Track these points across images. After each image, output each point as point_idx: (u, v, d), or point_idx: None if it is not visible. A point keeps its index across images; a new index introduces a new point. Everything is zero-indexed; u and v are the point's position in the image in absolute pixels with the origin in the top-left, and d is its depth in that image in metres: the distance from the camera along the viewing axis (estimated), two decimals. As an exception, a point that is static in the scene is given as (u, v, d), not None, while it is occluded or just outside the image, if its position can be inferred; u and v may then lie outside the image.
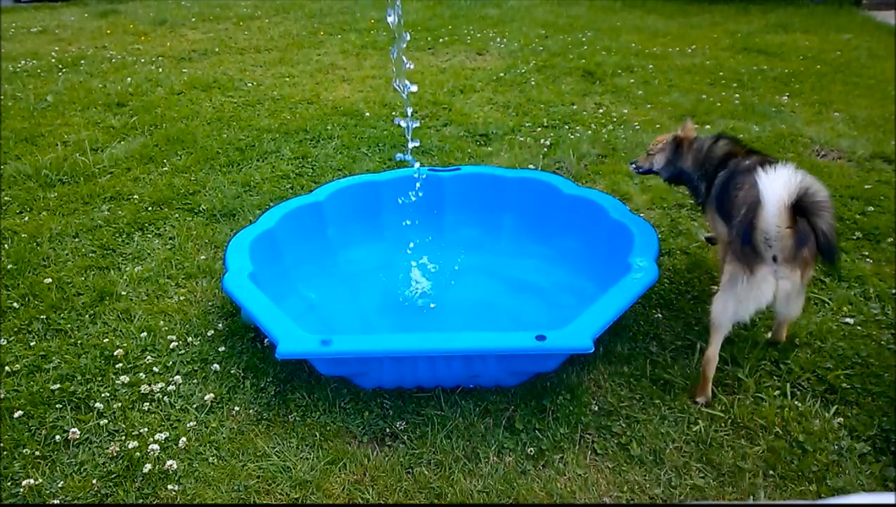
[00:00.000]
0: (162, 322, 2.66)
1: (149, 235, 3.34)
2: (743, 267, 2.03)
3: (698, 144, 2.67)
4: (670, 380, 2.30)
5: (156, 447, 2.05)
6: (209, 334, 2.58)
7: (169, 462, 2.00)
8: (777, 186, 1.92)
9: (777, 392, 2.25)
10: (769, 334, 2.47)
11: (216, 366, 2.41)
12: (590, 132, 4.56)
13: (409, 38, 2.35)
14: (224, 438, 2.12)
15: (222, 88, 5.75)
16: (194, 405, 2.24)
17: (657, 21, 8.30)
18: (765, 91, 5.41)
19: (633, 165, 2.93)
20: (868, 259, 3.00)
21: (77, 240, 3.29)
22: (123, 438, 2.11)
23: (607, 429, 2.13)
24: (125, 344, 2.52)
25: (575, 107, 5.11)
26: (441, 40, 7.40)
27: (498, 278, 2.99)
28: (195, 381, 2.35)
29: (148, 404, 2.25)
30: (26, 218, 3.49)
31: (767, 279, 2.02)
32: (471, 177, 3.36)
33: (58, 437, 2.11)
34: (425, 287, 2.93)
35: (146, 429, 2.14)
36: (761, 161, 2.24)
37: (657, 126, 4.63)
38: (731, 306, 2.09)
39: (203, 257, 3.13)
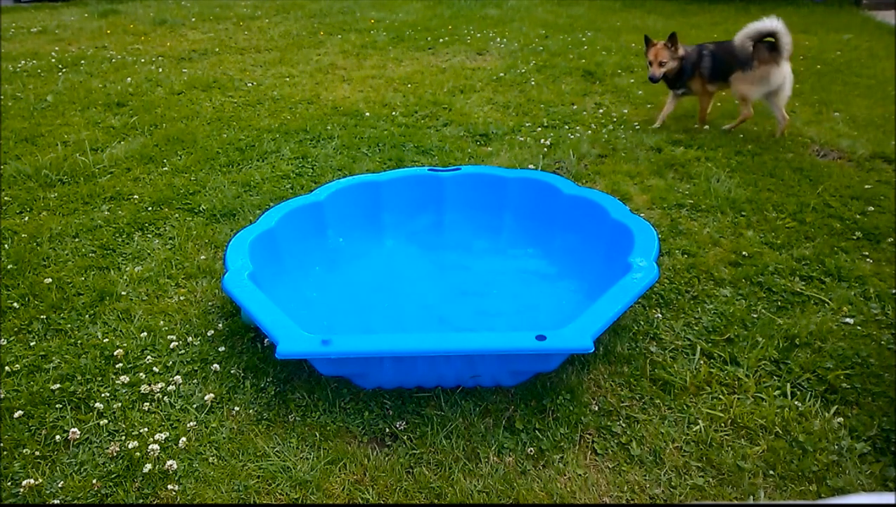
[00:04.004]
0: (162, 322, 2.66)
1: (149, 235, 3.34)
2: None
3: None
4: (670, 380, 2.31)
5: (156, 447, 2.05)
6: (209, 334, 2.58)
7: (169, 462, 2.00)
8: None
9: (777, 392, 2.26)
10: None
11: (216, 366, 2.41)
12: (590, 132, 4.56)
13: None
14: (224, 438, 2.12)
15: (222, 88, 5.75)
16: (194, 405, 2.24)
17: (657, 21, 8.30)
18: (765, 91, 5.40)
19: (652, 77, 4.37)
20: (868, 259, 3.00)
21: (77, 240, 3.29)
22: (123, 438, 2.11)
23: (607, 429, 2.13)
24: (125, 344, 2.52)
25: (575, 107, 5.11)
26: (441, 40, 7.40)
27: (497, 278, 2.99)
28: (195, 381, 2.35)
29: (148, 404, 2.25)
30: (26, 218, 3.50)
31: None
32: (471, 177, 3.37)
33: (58, 437, 2.11)
34: (425, 287, 2.94)
35: (146, 429, 2.14)
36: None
37: (657, 126, 4.64)
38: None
39: (203, 256, 3.13)
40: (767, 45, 4.15)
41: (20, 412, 2.20)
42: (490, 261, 3.12)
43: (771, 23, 4.11)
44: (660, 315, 2.65)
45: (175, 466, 1.99)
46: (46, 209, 3.59)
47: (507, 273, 3.02)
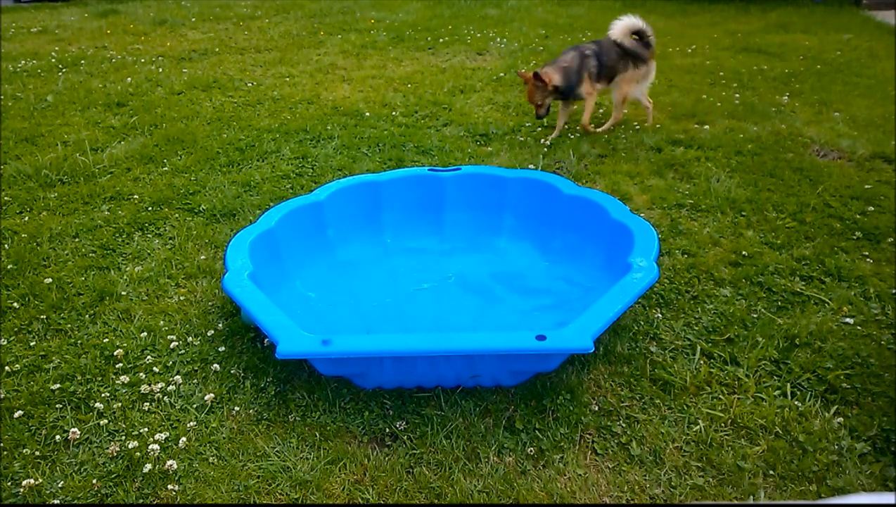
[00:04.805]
0: (162, 322, 2.66)
1: (149, 235, 3.34)
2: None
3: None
4: (670, 380, 2.31)
5: (156, 447, 2.05)
6: (209, 334, 2.58)
7: (169, 462, 2.00)
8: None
9: (777, 392, 2.26)
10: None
11: (216, 366, 2.41)
12: (590, 132, 4.56)
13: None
14: (224, 438, 2.12)
15: (222, 88, 5.75)
16: (194, 405, 2.24)
17: (657, 21, 8.29)
18: (765, 91, 5.41)
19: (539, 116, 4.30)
20: (868, 259, 3.00)
21: (77, 240, 3.29)
22: (123, 438, 2.11)
23: (607, 429, 2.13)
24: (125, 344, 2.52)
25: (575, 107, 5.11)
26: (441, 40, 7.40)
27: (498, 278, 2.99)
28: (195, 381, 2.35)
29: (148, 404, 2.25)
30: (26, 218, 3.50)
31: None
32: (471, 177, 3.37)
33: (58, 437, 2.11)
34: (425, 287, 2.94)
35: (146, 429, 2.14)
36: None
37: (658, 126, 4.64)
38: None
39: (203, 256, 3.13)
40: (642, 43, 4.37)
41: (20, 412, 2.20)
42: (490, 261, 3.12)
43: (635, 20, 4.35)
44: (660, 315, 2.65)
45: (175, 466, 1.99)
46: (46, 209, 3.59)
47: (507, 273, 3.02)
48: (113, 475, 1.98)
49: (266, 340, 2.48)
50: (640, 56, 4.36)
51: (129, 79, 5.97)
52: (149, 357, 2.46)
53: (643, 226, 2.74)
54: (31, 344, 2.55)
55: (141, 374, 2.37)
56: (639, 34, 4.34)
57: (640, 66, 4.38)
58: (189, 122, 4.89)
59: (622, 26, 4.32)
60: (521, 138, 4.47)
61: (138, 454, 2.04)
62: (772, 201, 3.52)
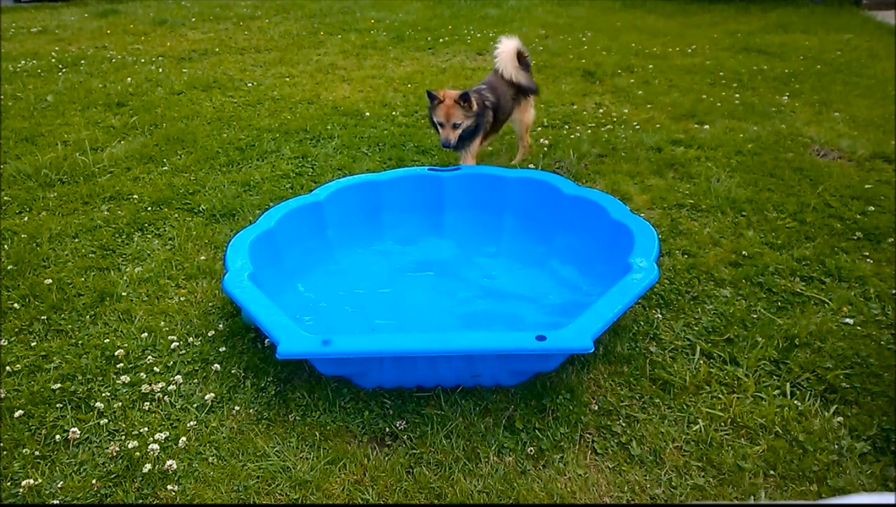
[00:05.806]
0: (162, 323, 2.66)
1: (149, 236, 3.34)
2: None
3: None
4: (670, 380, 2.31)
5: (156, 446, 2.05)
6: (210, 334, 2.58)
7: (169, 462, 2.00)
8: None
9: (777, 392, 2.26)
10: None
11: (217, 366, 2.41)
12: (590, 132, 4.56)
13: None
14: (224, 438, 2.12)
15: (222, 88, 5.75)
16: (194, 405, 2.24)
17: (657, 21, 8.30)
18: (765, 91, 5.41)
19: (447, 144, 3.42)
20: (868, 259, 3.00)
21: (77, 240, 3.29)
22: (123, 438, 2.11)
23: (607, 429, 2.13)
24: (126, 344, 2.52)
25: (575, 107, 5.11)
26: (441, 40, 7.40)
27: (498, 278, 2.99)
28: (195, 381, 2.35)
29: (148, 403, 2.25)
30: (26, 218, 3.50)
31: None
32: (471, 177, 3.37)
33: (58, 437, 2.11)
34: (425, 287, 2.94)
35: (146, 429, 2.14)
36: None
37: (657, 126, 4.64)
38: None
39: (203, 257, 3.13)
40: (524, 64, 3.85)
41: (20, 412, 2.21)
42: (490, 261, 3.12)
43: (514, 42, 3.79)
44: (660, 315, 2.65)
45: (175, 466, 1.99)
46: (46, 209, 3.59)
47: (507, 273, 3.02)
48: (113, 475, 1.98)
49: (266, 340, 2.48)
50: (532, 89, 3.89)
51: (129, 79, 5.97)
52: (149, 357, 2.46)
53: (643, 226, 2.73)
54: (32, 344, 2.55)
55: (141, 374, 2.37)
56: (518, 55, 3.79)
57: (528, 97, 3.93)
58: (189, 122, 4.89)
59: (509, 54, 3.73)
60: (521, 138, 4.47)
61: (138, 453, 2.04)
62: (772, 201, 3.52)
